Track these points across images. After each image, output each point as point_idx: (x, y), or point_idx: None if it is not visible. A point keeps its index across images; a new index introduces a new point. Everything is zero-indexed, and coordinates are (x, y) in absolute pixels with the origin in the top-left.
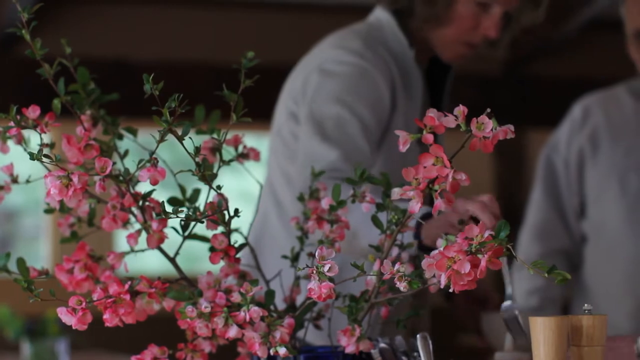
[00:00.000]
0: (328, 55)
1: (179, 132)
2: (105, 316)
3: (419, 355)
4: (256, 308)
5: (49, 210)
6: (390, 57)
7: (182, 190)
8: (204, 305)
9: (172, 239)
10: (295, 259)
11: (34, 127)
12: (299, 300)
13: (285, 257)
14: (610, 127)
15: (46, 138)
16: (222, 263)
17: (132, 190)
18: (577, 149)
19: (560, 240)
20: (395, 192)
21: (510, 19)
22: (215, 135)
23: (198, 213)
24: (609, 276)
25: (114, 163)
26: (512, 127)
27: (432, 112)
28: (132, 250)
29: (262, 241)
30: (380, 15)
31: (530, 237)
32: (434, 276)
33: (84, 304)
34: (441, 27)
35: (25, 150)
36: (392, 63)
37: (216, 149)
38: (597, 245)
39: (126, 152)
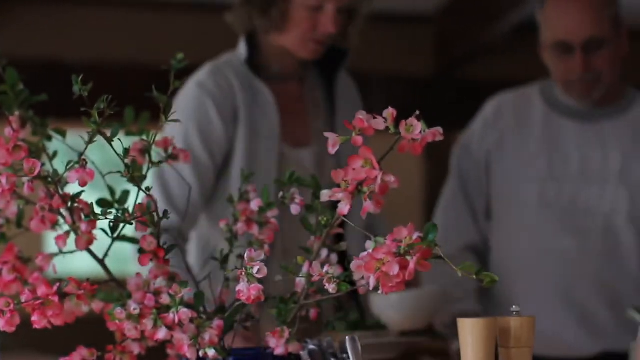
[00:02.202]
0: (184, 89)
1: (108, 134)
2: (34, 318)
3: (348, 357)
4: (185, 310)
5: None
6: (236, 78)
7: (111, 191)
8: (133, 307)
9: (101, 241)
10: (224, 260)
11: None
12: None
13: (214, 258)
14: (519, 131)
15: None
16: (151, 264)
17: (61, 192)
18: (486, 150)
19: (471, 237)
20: (325, 194)
21: (352, 11)
22: (144, 137)
23: (127, 215)
24: (516, 286)
25: (43, 164)
26: (440, 130)
27: (361, 114)
28: (61, 252)
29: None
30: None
31: (441, 234)
32: (362, 278)
33: (12, 305)
34: (284, 33)
35: None
36: (237, 83)
37: (146, 151)
38: (502, 251)
39: (55, 153)
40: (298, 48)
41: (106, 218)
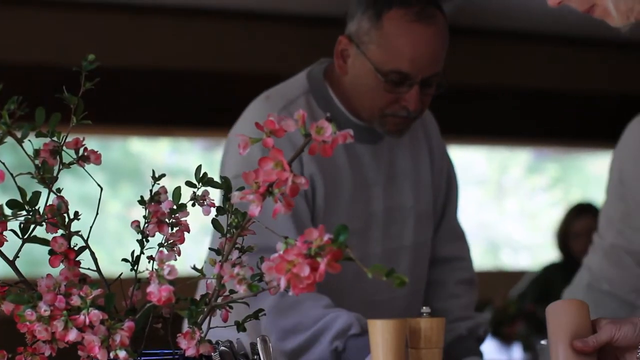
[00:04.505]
0: None
1: (19, 135)
2: None
3: (260, 358)
4: (96, 311)
5: None
6: None
7: (22, 193)
8: (44, 309)
9: (12, 242)
10: (136, 262)
11: None
12: None
13: (125, 260)
14: (323, 173)
15: None
16: (62, 266)
17: None
18: (310, 176)
19: None
20: (235, 196)
21: None
22: (55, 138)
23: (38, 216)
24: None
25: None
26: (351, 132)
27: (272, 117)
28: None
29: None
30: None
31: None
32: (274, 279)
33: None
34: None
35: None
36: None
37: (56, 152)
38: None
39: None
40: None
41: (17, 219)
